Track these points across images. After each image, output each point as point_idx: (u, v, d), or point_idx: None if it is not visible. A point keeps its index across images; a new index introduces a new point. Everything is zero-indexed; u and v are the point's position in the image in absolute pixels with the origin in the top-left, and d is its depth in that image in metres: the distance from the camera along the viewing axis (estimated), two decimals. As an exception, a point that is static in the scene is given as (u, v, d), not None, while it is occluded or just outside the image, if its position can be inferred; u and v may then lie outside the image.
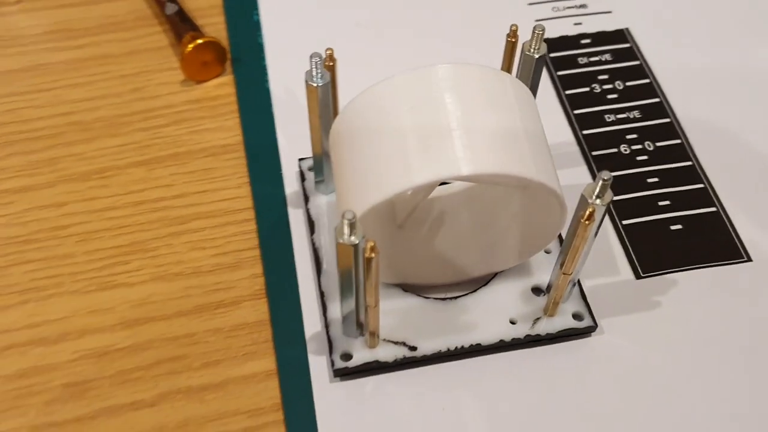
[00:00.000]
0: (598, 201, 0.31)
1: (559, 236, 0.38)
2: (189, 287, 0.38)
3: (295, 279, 0.38)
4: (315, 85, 0.34)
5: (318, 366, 0.36)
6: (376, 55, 0.46)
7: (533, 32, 0.35)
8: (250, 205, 0.41)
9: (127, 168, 0.42)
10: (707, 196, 0.41)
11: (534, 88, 0.36)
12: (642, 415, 0.35)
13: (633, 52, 0.47)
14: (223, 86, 0.46)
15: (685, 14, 0.50)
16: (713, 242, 0.40)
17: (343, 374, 0.35)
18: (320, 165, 0.39)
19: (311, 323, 0.37)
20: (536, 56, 0.35)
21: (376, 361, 0.35)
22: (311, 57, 0.34)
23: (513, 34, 0.36)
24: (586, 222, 0.31)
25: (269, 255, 0.39)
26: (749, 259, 0.39)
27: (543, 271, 0.38)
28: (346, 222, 0.29)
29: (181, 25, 0.46)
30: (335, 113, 0.37)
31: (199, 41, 0.44)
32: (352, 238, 0.30)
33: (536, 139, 0.32)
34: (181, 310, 0.38)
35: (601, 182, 0.31)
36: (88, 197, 0.41)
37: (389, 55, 0.46)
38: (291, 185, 0.41)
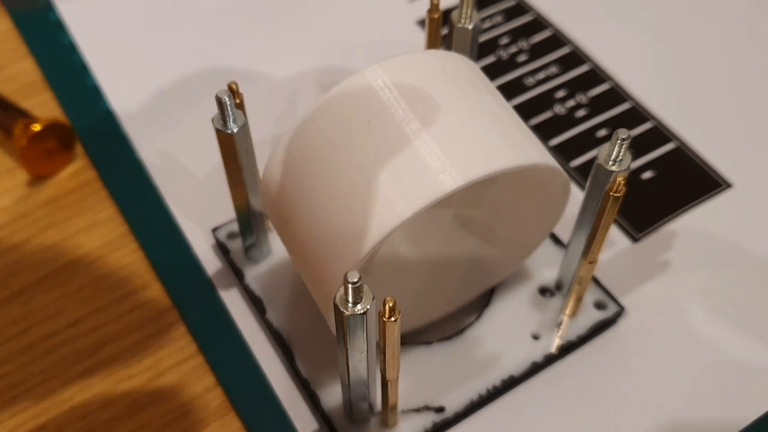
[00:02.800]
0: (615, 167, 0.26)
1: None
2: (133, 430, 0.30)
3: (262, 376, 0.30)
4: (230, 131, 0.27)
5: (333, 471, 0.28)
6: (255, 79, 0.39)
7: (461, -1, 0.29)
8: (169, 304, 0.33)
9: (-4, 309, 0.33)
10: (660, 134, 0.37)
11: (475, 65, 0.30)
12: (712, 378, 0.30)
13: (523, 7, 0.43)
14: (80, 173, 0.36)
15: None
16: (688, 178, 0.36)
17: (369, 471, 0.28)
18: (248, 226, 0.31)
19: (303, 422, 0.29)
20: (470, 26, 0.29)
21: (404, 441, 0.28)
22: (218, 97, 0.26)
23: (435, 9, 0.30)
24: (617, 194, 0.25)
25: (217, 358, 0.31)
26: (728, 185, 0.36)
27: (541, 268, 0.32)
28: (350, 288, 0.22)
29: (4, 114, 0.36)
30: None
31: (36, 127, 0.35)
32: (359, 306, 0.23)
33: (515, 118, 0.27)
34: (134, 464, 0.29)
35: (618, 142, 0.25)
36: (-44, 363, 0.31)
37: (266, 75, 0.39)
38: (211, 264, 0.33)
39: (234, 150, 0.27)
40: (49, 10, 0.42)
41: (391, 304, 0.23)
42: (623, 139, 0.25)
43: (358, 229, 0.24)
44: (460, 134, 0.25)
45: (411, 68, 0.26)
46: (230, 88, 0.27)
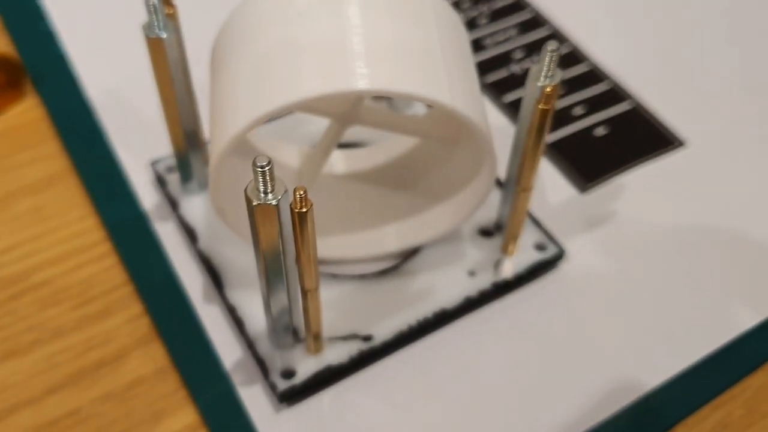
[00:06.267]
0: (548, 81, 0.25)
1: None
2: (53, 354, 0.29)
3: (189, 305, 0.30)
4: (159, 36, 0.26)
5: (254, 397, 0.27)
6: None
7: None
8: (103, 236, 0.32)
9: (-74, 233, 0.32)
10: (616, 94, 0.37)
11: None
12: (647, 325, 0.29)
13: (486, -25, 0.43)
14: (28, 112, 0.36)
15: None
16: (641, 136, 0.35)
17: (290, 397, 0.27)
18: (182, 151, 0.30)
19: (228, 350, 0.29)
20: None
21: (328, 368, 0.27)
22: (147, 0, 0.26)
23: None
24: (545, 107, 0.25)
25: (146, 287, 0.30)
26: (681, 144, 0.35)
27: (481, 209, 0.31)
28: (259, 171, 0.22)
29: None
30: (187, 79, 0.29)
31: (-17, 59, 0.35)
32: (271, 195, 0.22)
33: (458, 66, 0.26)
34: (51, 384, 0.28)
35: (548, 55, 0.25)
36: None
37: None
38: (149, 198, 0.33)
39: (164, 59, 0.27)
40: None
41: (301, 193, 0.22)
42: (552, 51, 0.25)
43: (253, 100, 0.24)
44: (392, 52, 0.24)
45: None
46: (162, -5, 0.26)
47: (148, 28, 0.26)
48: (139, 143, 0.34)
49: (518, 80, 0.37)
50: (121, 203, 0.33)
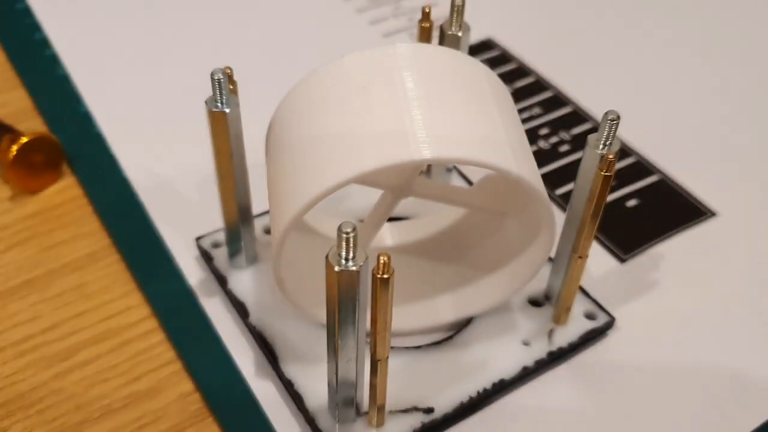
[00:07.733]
0: (605, 150, 0.26)
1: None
2: (103, 434, 0.28)
3: (242, 381, 0.29)
4: (223, 111, 0.27)
5: (316, 474, 0.27)
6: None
7: (453, 6, 0.30)
8: (148, 312, 0.32)
9: (-32, 312, 0.31)
10: (643, 167, 0.38)
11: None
12: (695, 394, 0.29)
13: (506, 57, 0.44)
14: (66, 190, 0.36)
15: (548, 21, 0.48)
16: (672, 207, 0.36)
17: (354, 471, 0.27)
18: (235, 226, 0.30)
19: (284, 424, 0.28)
20: (460, 34, 0.30)
21: (391, 441, 0.27)
22: (213, 75, 0.26)
23: (426, 18, 0.31)
24: (608, 174, 0.26)
25: (195, 363, 0.30)
26: (713, 214, 0.36)
27: (533, 280, 0.32)
28: (343, 237, 0.22)
29: (-8, 129, 0.36)
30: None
31: (24, 139, 0.35)
32: (351, 262, 0.22)
33: (516, 133, 0.27)
34: (103, 465, 0.27)
35: (608, 124, 0.26)
36: None
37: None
38: (193, 274, 0.33)
39: (225, 133, 0.27)
40: (45, 45, 0.43)
41: (385, 259, 0.22)
42: (612, 120, 0.26)
43: (312, 177, 0.24)
44: (454, 122, 0.25)
45: (433, 57, 0.26)
46: (225, 71, 0.27)
47: (211, 103, 0.27)
48: (178, 220, 0.34)
49: (545, 155, 0.38)
50: (165, 279, 0.32)
